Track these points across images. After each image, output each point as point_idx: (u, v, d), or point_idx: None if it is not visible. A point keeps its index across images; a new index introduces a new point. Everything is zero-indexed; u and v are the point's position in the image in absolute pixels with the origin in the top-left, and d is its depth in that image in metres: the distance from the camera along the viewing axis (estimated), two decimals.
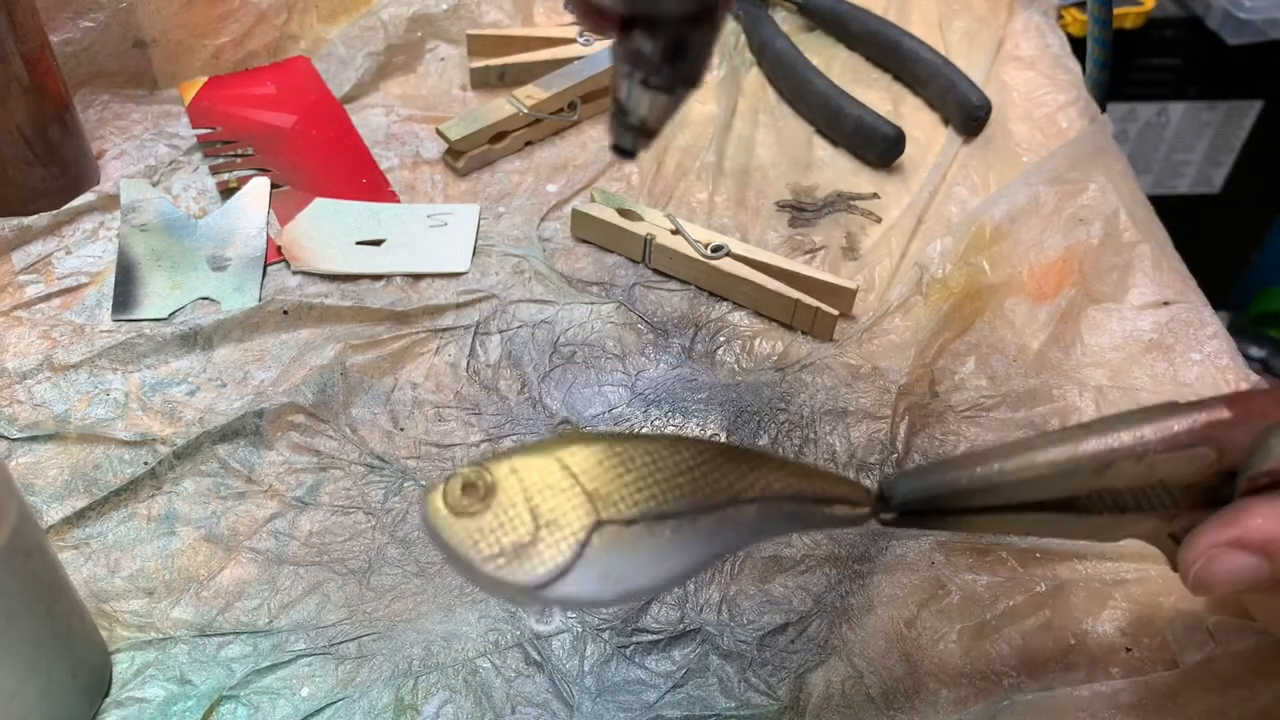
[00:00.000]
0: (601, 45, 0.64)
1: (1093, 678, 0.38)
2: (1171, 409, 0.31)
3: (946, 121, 0.63)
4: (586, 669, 0.38)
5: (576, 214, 0.55)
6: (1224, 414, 0.31)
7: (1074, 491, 0.32)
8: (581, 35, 0.66)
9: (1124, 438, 0.31)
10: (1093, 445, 0.31)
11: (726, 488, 0.30)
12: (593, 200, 0.56)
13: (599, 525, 0.28)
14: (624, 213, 0.54)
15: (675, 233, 0.53)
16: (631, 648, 0.39)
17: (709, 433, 0.46)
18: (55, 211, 0.54)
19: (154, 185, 0.57)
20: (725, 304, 0.52)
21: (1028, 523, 0.33)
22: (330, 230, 0.55)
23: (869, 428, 0.46)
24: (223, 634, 0.39)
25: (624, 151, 0.35)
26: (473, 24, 0.67)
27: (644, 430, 0.46)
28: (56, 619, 0.34)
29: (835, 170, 0.60)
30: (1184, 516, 0.32)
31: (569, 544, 0.27)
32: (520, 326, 0.51)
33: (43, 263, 0.52)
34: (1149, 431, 0.31)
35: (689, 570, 0.29)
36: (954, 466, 0.32)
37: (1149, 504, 0.32)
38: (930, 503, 0.32)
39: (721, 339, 0.51)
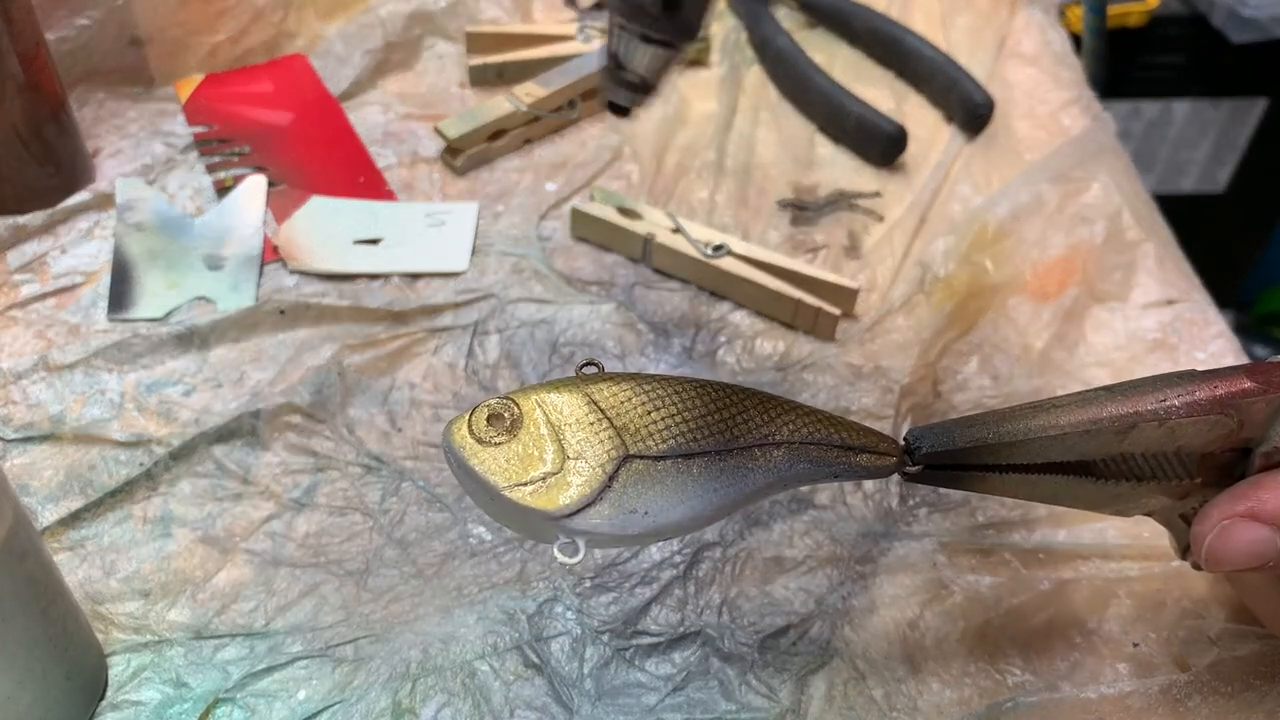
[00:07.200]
0: (601, 42, 0.64)
1: (1098, 675, 0.38)
2: (1192, 376, 0.32)
3: (949, 119, 0.63)
4: (586, 672, 0.38)
5: (576, 213, 0.55)
6: (1245, 384, 0.31)
7: (1095, 454, 0.32)
8: (581, 32, 0.65)
9: (1148, 400, 0.31)
10: (1117, 407, 0.31)
11: (755, 430, 0.30)
12: (592, 199, 0.56)
13: (627, 459, 0.28)
14: (624, 211, 0.54)
15: (676, 232, 0.53)
16: (631, 650, 0.38)
17: None
18: (50, 210, 0.53)
19: (150, 184, 0.56)
20: (726, 303, 0.52)
21: (1047, 486, 0.33)
22: (327, 229, 0.54)
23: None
24: (219, 636, 0.38)
25: (619, 109, 0.35)
26: (471, 21, 0.67)
27: None
28: (52, 621, 0.33)
29: (837, 168, 0.60)
30: (1196, 495, 0.32)
31: (597, 475, 0.27)
32: (519, 326, 0.50)
33: (38, 262, 0.52)
34: (1172, 396, 0.31)
35: (714, 510, 0.29)
36: (979, 423, 0.32)
37: (1165, 473, 0.32)
38: (955, 456, 0.32)
39: (722, 339, 0.50)
